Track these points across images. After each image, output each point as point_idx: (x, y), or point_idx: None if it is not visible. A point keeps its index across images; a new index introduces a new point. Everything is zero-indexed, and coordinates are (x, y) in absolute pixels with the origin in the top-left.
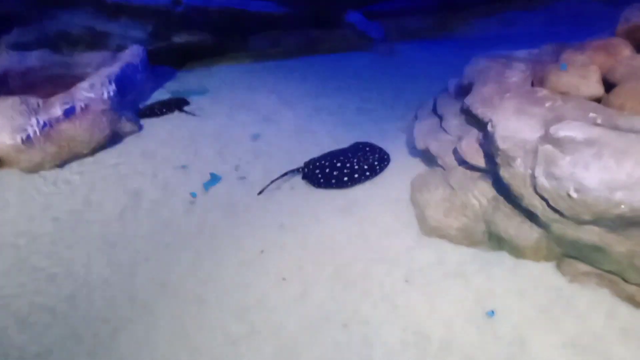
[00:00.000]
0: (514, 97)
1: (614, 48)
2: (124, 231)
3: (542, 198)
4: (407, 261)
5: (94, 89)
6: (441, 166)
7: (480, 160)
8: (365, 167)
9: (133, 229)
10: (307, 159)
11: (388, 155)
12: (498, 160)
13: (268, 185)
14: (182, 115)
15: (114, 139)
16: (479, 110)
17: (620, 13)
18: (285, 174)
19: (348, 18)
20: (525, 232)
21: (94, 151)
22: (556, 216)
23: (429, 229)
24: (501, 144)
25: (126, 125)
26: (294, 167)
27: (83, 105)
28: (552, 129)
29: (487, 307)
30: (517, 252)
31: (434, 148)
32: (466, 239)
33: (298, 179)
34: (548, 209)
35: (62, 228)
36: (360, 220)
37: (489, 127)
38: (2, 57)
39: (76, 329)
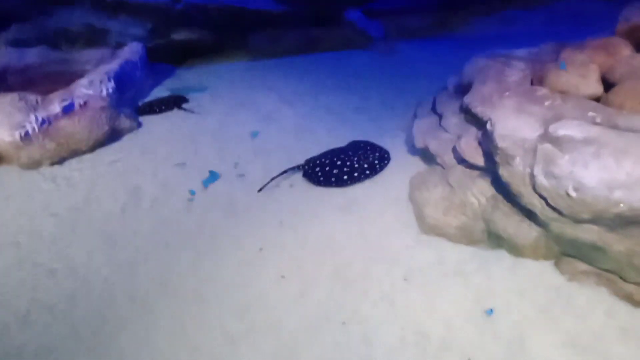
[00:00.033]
0: (514, 95)
1: (614, 47)
2: (123, 228)
3: (541, 197)
4: (406, 260)
5: (93, 86)
6: (440, 165)
7: (479, 159)
8: (366, 165)
9: (132, 227)
10: (306, 157)
11: (388, 154)
12: (497, 158)
13: (268, 182)
14: (181, 112)
15: (113, 136)
16: (478, 109)
17: (620, 12)
18: (285, 171)
19: (348, 16)
20: (524, 231)
21: (93, 148)
22: (555, 215)
23: (428, 228)
24: (500, 142)
25: (125, 123)
26: (294, 165)
27: (82, 102)
28: (552, 128)
29: (486, 305)
30: (516, 250)
31: (433, 147)
32: (465, 237)
33: (297, 177)
34: (547, 208)
35: (62, 225)
36: (360, 218)
37: (488, 126)
38: (1, 53)
39: (76, 327)
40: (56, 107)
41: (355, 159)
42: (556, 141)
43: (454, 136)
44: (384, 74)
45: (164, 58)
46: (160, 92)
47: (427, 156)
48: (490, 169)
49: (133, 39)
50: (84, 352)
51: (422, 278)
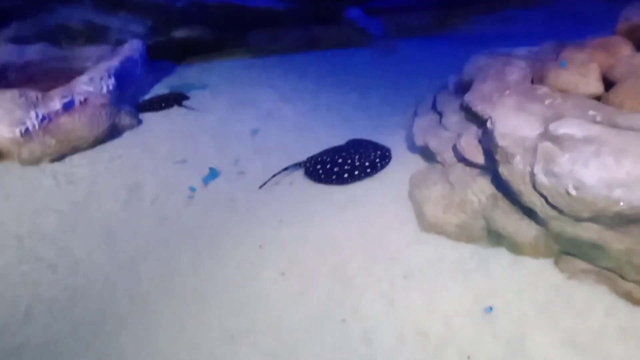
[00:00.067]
0: (514, 94)
1: (614, 46)
2: (123, 225)
3: (541, 195)
4: (406, 258)
5: (93, 82)
6: (440, 163)
7: (479, 157)
8: (367, 164)
9: (132, 224)
10: (306, 155)
11: (390, 153)
12: (497, 157)
13: (269, 179)
14: (182, 110)
15: (113, 133)
16: (479, 107)
17: (620, 12)
18: (287, 168)
19: (348, 14)
20: (524, 229)
21: (93, 145)
22: (555, 213)
23: (427, 226)
24: (500, 141)
25: (125, 120)
26: (294, 162)
27: (82, 99)
28: (552, 127)
29: (485, 303)
30: (515, 248)
31: (433, 145)
32: (465, 235)
33: (297, 175)
34: (547, 206)
35: (62, 222)
36: (359, 216)
37: (489, 124)
38: (1, 50)
39: (76, 324)
40: (56, 104)
41: (357, 157)
42: (556, 140)
43: (454, 134)
44: (384, 72)
45: (164, 55)
46: (160, 89)
47: (427, 154)
48: (491, 167)
49: (133, 36)
50: (84, 348)
51: (421, 276)
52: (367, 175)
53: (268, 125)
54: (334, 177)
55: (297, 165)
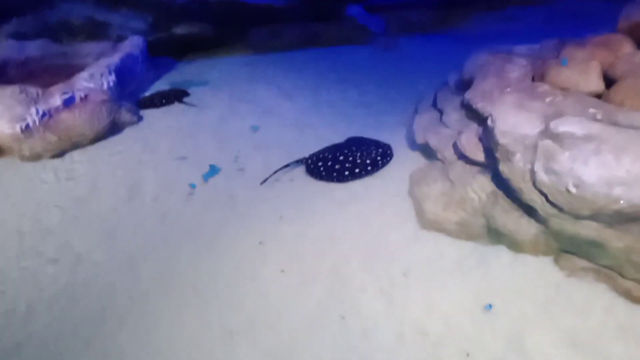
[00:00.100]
0: (514, 92)
1: (615, 44)
2: (123, 221)
3: (541, 193)
4: (406, 255)
5: (94, 79)
6: (440, 160)
7: (479, 155)
8: (368, 161)
9: (132, 220)
10: (306, 151)
11: (391, 150)
12: (497, 154)
13: (271, 175)
14: (182, 106)
15: (114, 129)
16: (479, 105)
17: (621, 10)
18: (288, 165)
19: (348, 11)
20: (524, 227)
21: (93, 141)
22: (555, 211)
23: (427, 223)
24: (501, 138)
25: (126, 116)
26: (295, 158)
27: (83, 95)
28: (552, 124)
29: (485, 301)
30: (515, 246)
31: (433, 142)
32: (465, 233)
33: (298, 172)
34: (547, 204)
35: (63, 218)
36: (359, 213)
37: (489, 122)
38: (2, 46)
39: (75, 321)
40: (57, 100)
41: (359, 154)
42: (557, 137)
43: (454, 132)
44: (384, 70)
45: (164, 52)
46: (161, 85)
47: (427, 151)
48: (491, 165)
49: (134, 32)
50: (83, 344)
51: (421, 274)
52: (368, 173)
53: (268, 122)
54: (335, 174)
55: (299, 162)
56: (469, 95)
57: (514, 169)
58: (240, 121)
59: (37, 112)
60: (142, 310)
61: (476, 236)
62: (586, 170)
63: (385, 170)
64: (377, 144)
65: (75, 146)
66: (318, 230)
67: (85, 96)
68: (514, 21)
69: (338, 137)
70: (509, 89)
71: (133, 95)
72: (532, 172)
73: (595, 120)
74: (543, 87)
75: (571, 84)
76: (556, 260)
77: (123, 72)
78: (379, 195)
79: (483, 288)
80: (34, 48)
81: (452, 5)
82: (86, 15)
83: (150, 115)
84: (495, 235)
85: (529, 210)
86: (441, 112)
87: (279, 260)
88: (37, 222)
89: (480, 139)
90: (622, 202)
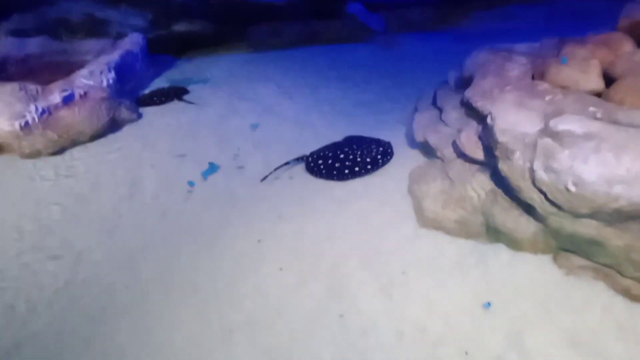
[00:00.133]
0: (514, 90)
1: (615, 43)
2: (123, 219)
3: (541, 191)
4: (405, 253)
5: (93, 76)
6: (440, 158)
7: (479, 153)
8: (368, 160)
9: (131, 217)
10: (305, 150)
11: (392, 149)
12: (497, 153)
13: (272, 172)
14: (181, 104)
15: (113, 126)
16: (479, 103)
17: (622, 9)
18: (288, 162)
19: (349, 9)
20: (523, 225)
21: (92, 139)
22: (554, 209)
23: (426, 221)
24: (500, 136)
25: (125, 113)
26: (294, 157)
27: (82, 93)
28: (552, 123)
29: (483, 299)
30: (514, 244)
31: (433, 140)
32: (464, 231)
33: (297, 169)
34: (546, 202)
35: (62, 215)
36: (359, 211)
37: (489, 120)
38: (2, 43)
39: (75, 320)
40: (56, 97)
41: (359, 152)
42: (556, 136)
43: (454, 130)
44: (384, 68)
45: (164, 49)
46: (160, 83)
47: (427, 150)
48: (490, 163)
49: (133, 29)
50: (82, 341)
51: (420, 272)
52: (368, 172)
53: (268, 120)
54: (335, 172)
55: (299, 160)
56: (468, 93)
57: (514, 167)
58: (240, 119)
59: (37, 109)
60: (142, 309)
61: (475, 234)
62: (586, 169)
63: (385, 168)
64: (377, 142)
65: (75, 143)
66: (317, 229)
67: (85, 93)
68: (514, 19)
69: (338, 136)
70: (508, 87)
71: (133, 92)
72: (532, 171)
73: (595, 118)
74: (543, 86)
75: (571, 83)
76: (555, 259)
77: (123, 70)
78: (379, 194)
79: (482, 286)
80: (33, 45)
81: (452, 4)
82: (86, 12)
83: (149, 112)
84: (494, 233)
85: (528, 209)
86: (441, 111)
87: (278, 258)
88: (36, 219)
89: (480, 137)
90: (621, 200)
